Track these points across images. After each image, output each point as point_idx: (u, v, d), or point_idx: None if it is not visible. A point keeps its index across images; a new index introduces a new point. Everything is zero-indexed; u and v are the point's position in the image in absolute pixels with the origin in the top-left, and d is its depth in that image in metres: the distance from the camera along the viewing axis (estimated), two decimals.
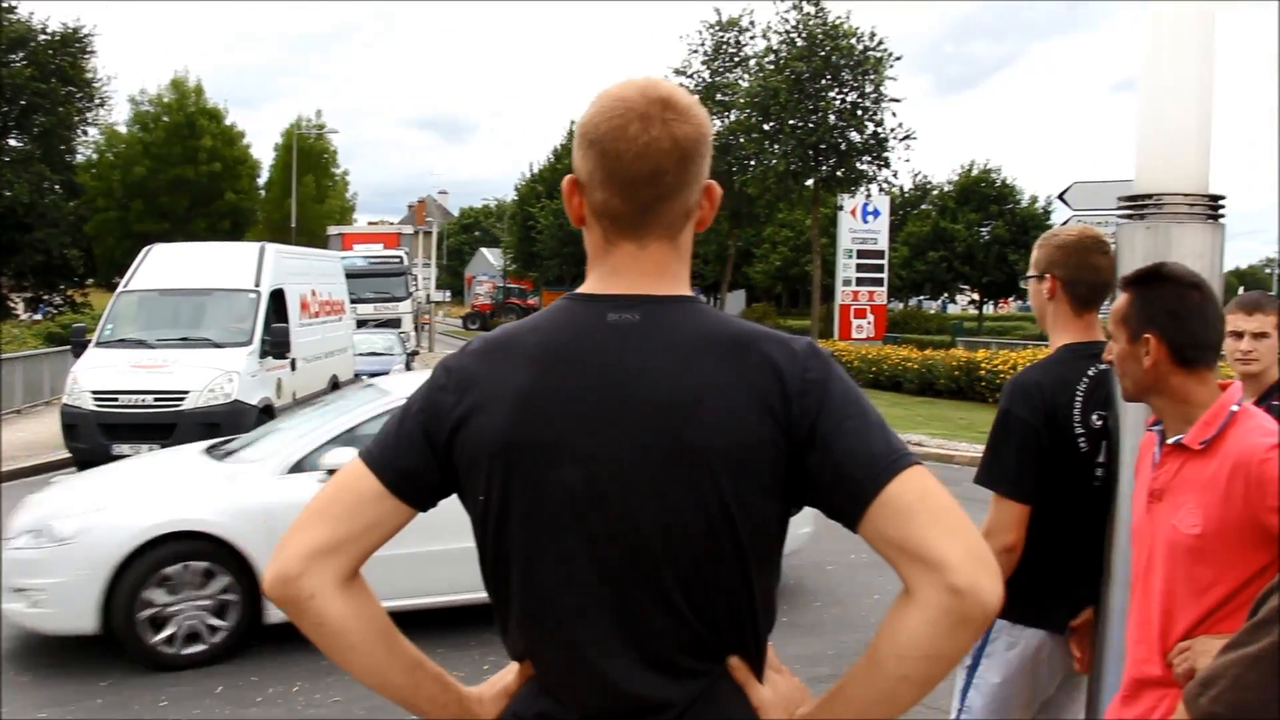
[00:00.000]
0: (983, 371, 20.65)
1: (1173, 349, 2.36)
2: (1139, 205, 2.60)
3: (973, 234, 47.77)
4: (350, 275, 27.68)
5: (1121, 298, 2.46)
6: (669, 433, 1.43)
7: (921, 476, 1.39)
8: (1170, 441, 2.39)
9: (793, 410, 1.43)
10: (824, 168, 30.63)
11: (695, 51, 34.55)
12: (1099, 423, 2.84)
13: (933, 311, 58.24)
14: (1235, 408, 2.32)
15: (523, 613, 1.52)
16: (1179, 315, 2.37)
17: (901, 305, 54.21)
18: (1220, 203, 2.59)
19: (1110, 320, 2.49)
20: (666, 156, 1.47)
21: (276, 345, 13.20)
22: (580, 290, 1.57)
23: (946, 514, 1.37)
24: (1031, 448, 2.80)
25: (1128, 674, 2.47)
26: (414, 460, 1.51)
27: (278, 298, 13.93)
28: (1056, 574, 2.88)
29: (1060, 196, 12.77)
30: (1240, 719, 1.36)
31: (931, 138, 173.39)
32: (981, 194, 50.76)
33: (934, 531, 1.35)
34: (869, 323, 31.59)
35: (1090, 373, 2.87)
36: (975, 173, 51.74)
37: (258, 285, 13.46)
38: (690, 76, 34.47)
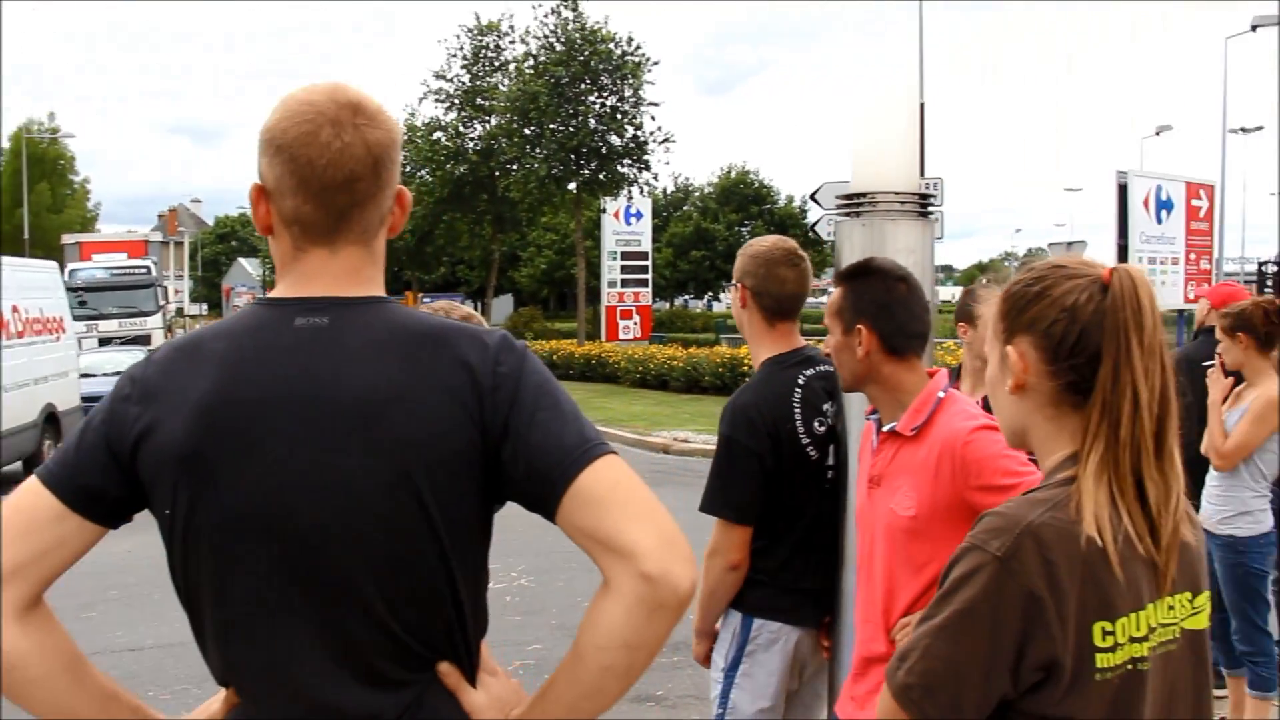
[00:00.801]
0: (746, 368, 21.24)
1: (883, 338, 2.47)
2: (855, 203, 2.72)
3: (733, 233, 49.19)
4: (88, 289, 25.91)
5: (835, 292, 2.57)
6: (360, 436, 1.39)
7: (613, 466, 1.40)
8: (885, 429, 2.50)
9: (485, 405, 1.41)
10: (585, 171, 30.94)
11: (454, 56, 34.16)
12: (821, 428, 2.95)
13: (698, 310, 59.65)
14: (942, 394, 2.46)
15: (217, 631, 1.45)
16: (888, 306, 2.49)
17: (667, 305, 55.31)
18: (930, 200, 2.75)
19: (825, 314, 2.59)
20: (360, 163, 1.44)
21: None
22: (269, 295, 1.52)
23: (637, 502, 1.37)
24: (755, 472, 2.88)
25: (857, 653, 2.57)
26: (96, 476, 1.42)
27: None
28: (806, 572, 2.98)
29: (812, 196, 13.31)
30: (933, 687, 1.43)
31: (694, 139, 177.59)
32: (741, 194, 52.43)
33: (625, 520, 1.35)
34: (635, 323, 32.02)
35: (800, 381, 2.97)
36: (734, 174, 53.38)
37: None
38: (450, 81, 34.06)
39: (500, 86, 33.06)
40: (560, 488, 1.37)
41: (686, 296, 62.66)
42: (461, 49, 33.87)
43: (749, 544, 2.91)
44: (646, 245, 32.83)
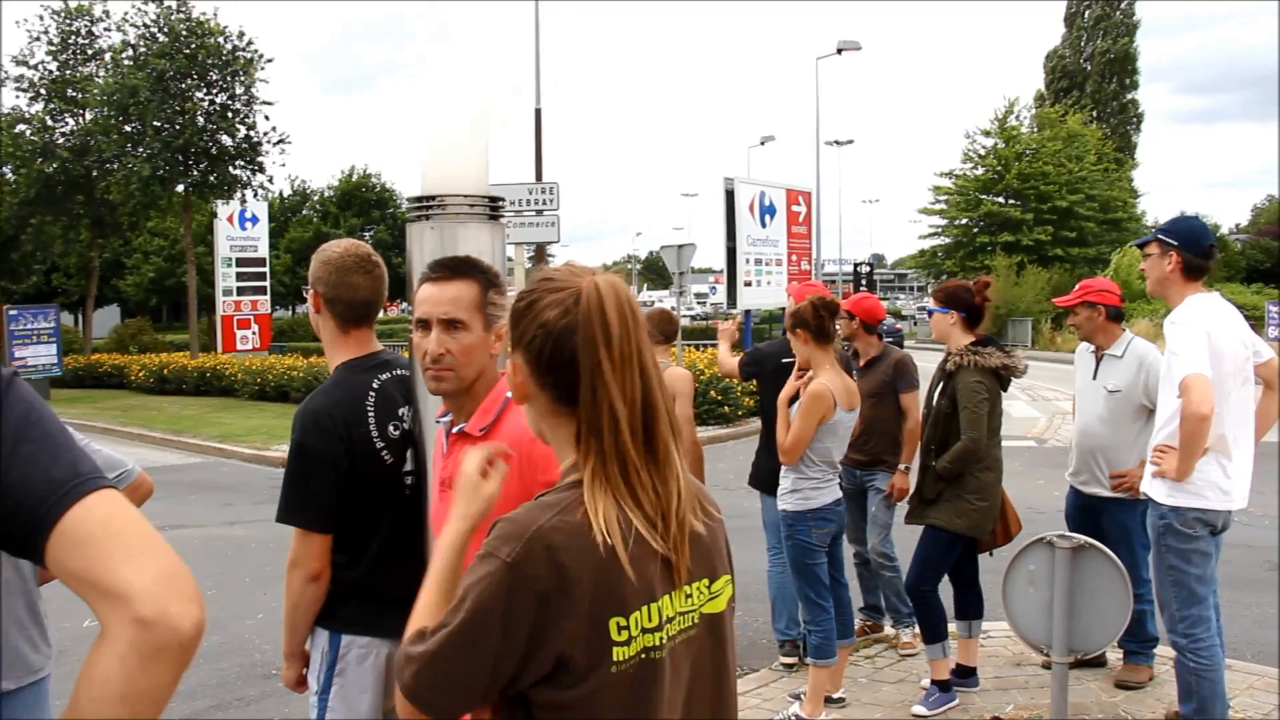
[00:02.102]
0: None
1: None
2: (424, 206, 2.69)
3: (356, 238, 48.16)
4: None
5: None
6: None
7: (107, 501, 1.28)
8: (455, 430, 2.48)
9: None
10: (194, 172, 29.04)
11: (38, 39, 30.94)
12: (396, 433, 2.90)
13: None
14: (510, 394, 2.47)
15: None
16: None
17: (288, 313, 53.27)
18: (499, 203, 2.75)
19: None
20: None
21: None
22: None
23: (132, 539, 1.25)
24: (329, 478, 2.81)
25: None
26: None
27: None
28: (392, 582, 2.89)
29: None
30: (441, 687, 1.48)
31: (318, 141, 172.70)
32: (363, 198, 51.53)
33: (118, 560, 1.23)
34: (253, 333, 30.72)
35: (375, 385, 2.92)
36: (356, 177, 52.35)
37: None
38: (35, 68, 30.85)
39: (95, 78, 30.35)
40: (47, 526, 1.24)
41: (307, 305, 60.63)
42: (46, 33, 30.76)
43: (329, 552, 2.84)
44: (264, 251, 31.54)
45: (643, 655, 1.49)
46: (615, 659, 1.47)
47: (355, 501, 2.84)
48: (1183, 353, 4.25)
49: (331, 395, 2.89)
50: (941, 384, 5.36)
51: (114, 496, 1.29)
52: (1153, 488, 4.52)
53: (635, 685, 1.49)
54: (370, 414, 2.86)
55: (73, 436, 1.35)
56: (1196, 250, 4.47)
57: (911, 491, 5.59)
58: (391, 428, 2.89)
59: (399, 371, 2.96)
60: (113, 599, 1.21)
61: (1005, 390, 5.35)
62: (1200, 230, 4.61)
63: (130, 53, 29.19)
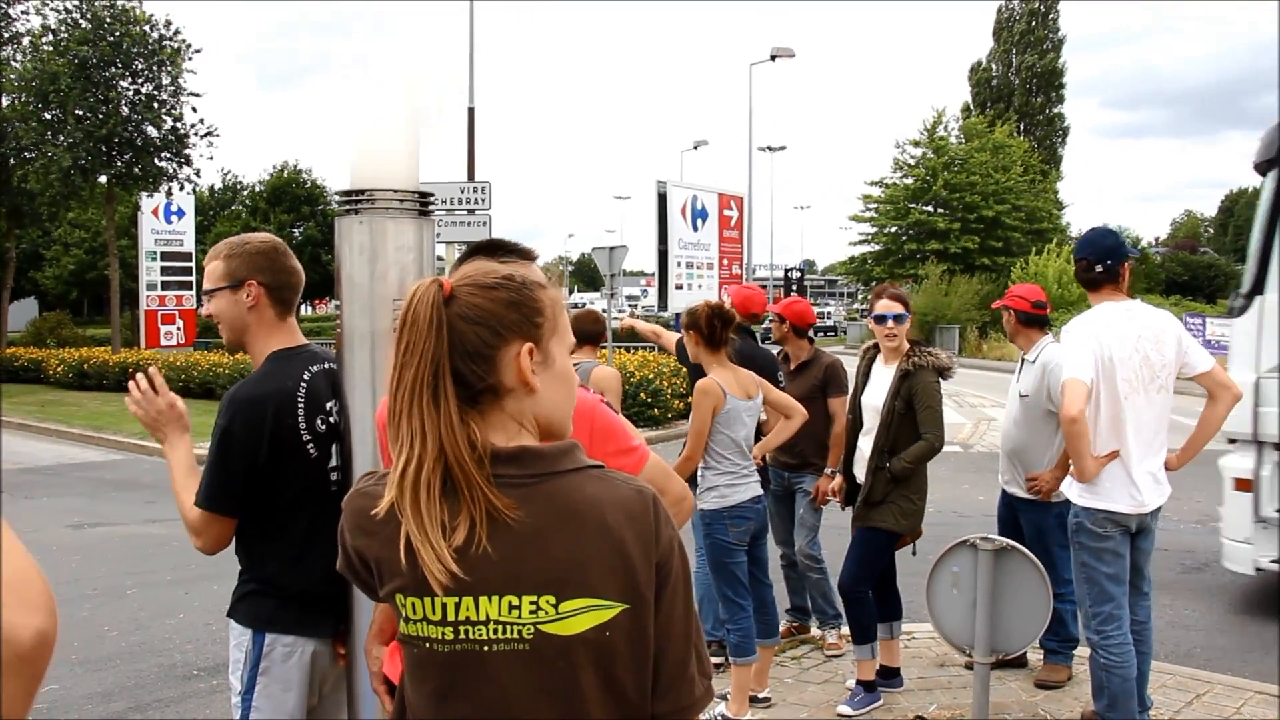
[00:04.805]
0: None
1: None
2: (354, 200, 2.65)
3: (285, 235, 47.58)
4: None
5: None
6: None
7: None
8: None
9: None
10: (119, 163, 28.37)
11: None
12: (324, 427, 2.88)
13: None
14: None
15: None
16: None
17: None
18: (429, 199, 2.73)
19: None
20: None
21: None
22: None
23: None
24: (244, 465, 2.79)
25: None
26: None
27: None
28: (312, 578, 2.85)
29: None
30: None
31: (252, 134, 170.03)
32: (293, 194, 50.88)
33: None
34: (179, 329, 30.20)
35: (306, 377, 2.90)
36: (287, 173, 51.68)
37: None
38: None
39: (13, 62, 29.48)
40: None
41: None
42: None
43: (230, 534, 2.86)
44: (190, 245, 30.97)
45: (425, 645, 1.52)
46: (403, 631, 1.55)
47: (271, 492, 2.81)
48: (1065, 359, 4.55)
49: (263, 385, 2.86)
50: (895, 386, 5.30)
51: None
52: (1069, 489, 4.70)
53: (425, 669, 1.53)
54: (300, 405, 2.84)
55: None
56: (1080, 260, 4.68)
57: (861, 495, 5.43)
58: (319, 421, 2.87)
59: (328, 365, 2.94)
60: None
61: None
62: (1089, 240, 4.75)
63: (51, 38, 28.40)
